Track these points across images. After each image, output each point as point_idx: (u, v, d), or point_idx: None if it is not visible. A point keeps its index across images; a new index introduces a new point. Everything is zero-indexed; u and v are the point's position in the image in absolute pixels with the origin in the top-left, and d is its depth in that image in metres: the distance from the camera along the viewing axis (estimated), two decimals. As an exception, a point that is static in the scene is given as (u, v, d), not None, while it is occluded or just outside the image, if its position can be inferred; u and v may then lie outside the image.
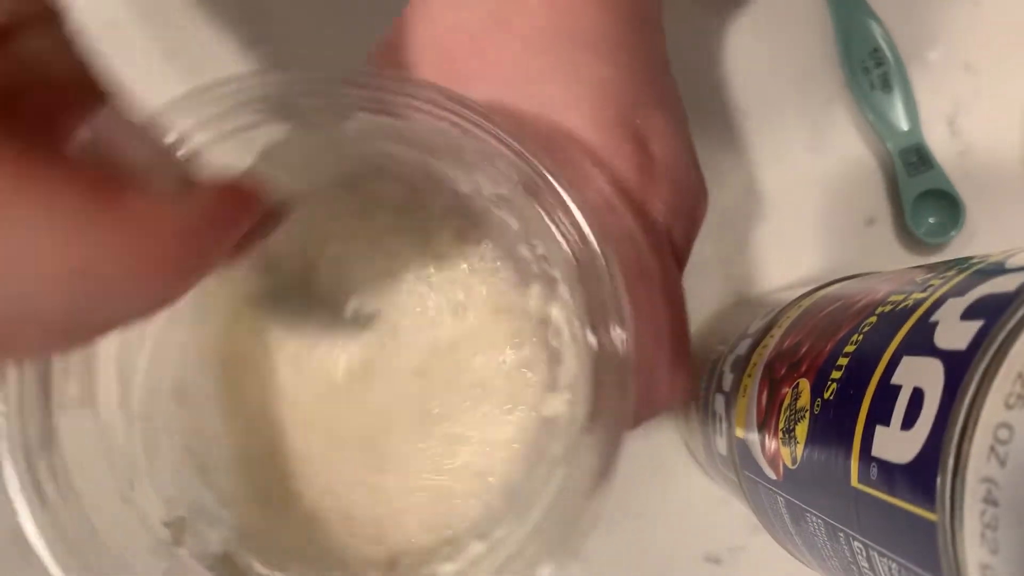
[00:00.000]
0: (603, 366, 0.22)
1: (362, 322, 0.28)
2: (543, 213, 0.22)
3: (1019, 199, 0.38)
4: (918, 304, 0.19)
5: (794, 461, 0.22)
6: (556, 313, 0.26)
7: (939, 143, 0.38)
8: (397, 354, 0.28)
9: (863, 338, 0.21)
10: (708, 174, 0.28)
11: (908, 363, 0.18)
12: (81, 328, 0.16)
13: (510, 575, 0.22)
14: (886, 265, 0.31)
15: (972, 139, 0.38)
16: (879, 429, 0.18)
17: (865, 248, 0.38)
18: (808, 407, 0.22)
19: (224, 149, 0.23)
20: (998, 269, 0.18)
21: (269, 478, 0.28)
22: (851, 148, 0.39)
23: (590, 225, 0.22)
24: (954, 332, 0.17)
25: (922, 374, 0.17)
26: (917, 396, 0.17)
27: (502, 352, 0.28)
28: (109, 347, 0.25)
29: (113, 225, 0.15)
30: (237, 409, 0.28)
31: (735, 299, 0.38)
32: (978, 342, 0.16)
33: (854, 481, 0.19)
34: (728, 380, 0.30)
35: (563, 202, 0.22)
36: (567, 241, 0.22)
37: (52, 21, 0.16)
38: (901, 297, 0.21)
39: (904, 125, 0.38)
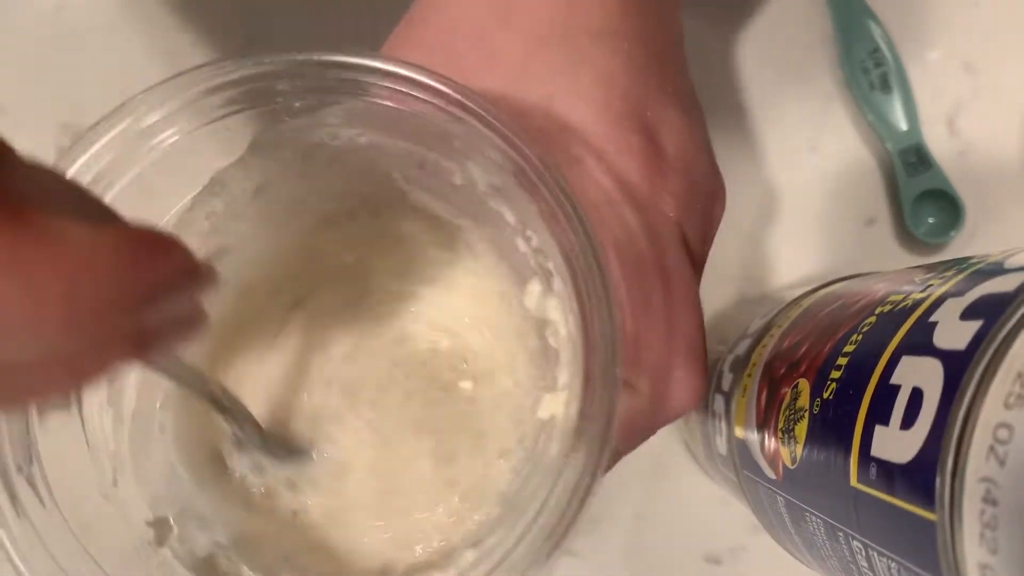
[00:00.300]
0: (593, 362, 0.21)
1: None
2: (533, 202, 0.22)
3: (1019, 199, 0.38)
4: (917, 304, 0.19)
5: (793, 461, 0.22)
6: (553, 309, 0.25)
7: (938, 143, 0.38)
8: (393, 373, 0.28)
9: (862, 338, 0.21)
10: (708, 174, 0.28)
11: (907, 363, 0.18)
12: None
13: None
14: (886, 265, 0.31)
15: (972, 139, 0.38)
16: (878, 429, 0.18)
17: (865, 248, 0.38)
18: (807, 407, 0.22)
19: (208, 138, 0.23)
20: (997, 269, 0.18)
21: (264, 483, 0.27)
22: (851, 148, 0.39)
23: (581, 216, 0.21)
24: (953, 332, 0.17)
25: (921, 374, 0.17)
26: (916, 396, 0.17)
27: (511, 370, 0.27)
28: None
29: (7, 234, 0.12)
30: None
31: (735, 299, 0.38)
32: (977, 342, 0.16)
33: (853, 481, 0.19)
34: (728, 380, 0.30)
35: (554, 191, 0.21)
36: (558, 232, 0.22)
37: None
38: (900, 297, 0.21)
39: (903, 125, 0.38)
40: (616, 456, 0.27)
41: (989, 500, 0.15)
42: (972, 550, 0.15)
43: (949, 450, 0.16)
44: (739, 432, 0.27)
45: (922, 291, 0.20)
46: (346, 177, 0.26)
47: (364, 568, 0.26)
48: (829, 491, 0.20)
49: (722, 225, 0.39)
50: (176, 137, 0.22)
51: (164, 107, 0.22)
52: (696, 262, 0.26)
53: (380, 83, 0.22)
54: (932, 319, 0.18)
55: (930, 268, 0.22)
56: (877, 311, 0.21)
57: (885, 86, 0.38)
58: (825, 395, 0.21)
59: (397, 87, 0.22)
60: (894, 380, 0.18)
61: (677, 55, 0.27)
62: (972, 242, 0.38)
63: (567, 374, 0.25)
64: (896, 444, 0.17)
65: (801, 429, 0.22)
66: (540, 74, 0.24)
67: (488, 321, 0.28)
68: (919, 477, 0.16)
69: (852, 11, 0.38)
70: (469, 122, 0.22)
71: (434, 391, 0.28)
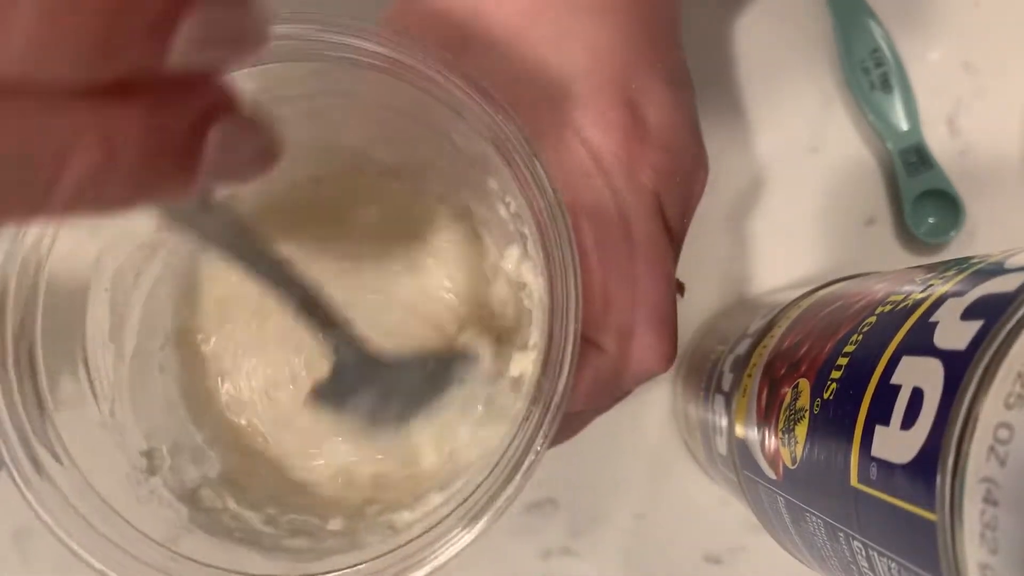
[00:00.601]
0: (555, 320, 0.22)
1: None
2: (509, 169, 0.23)
3: (1019, 199, 0.38)
4: (918, 304, 0.19)
5: (794, 461, 0.22)
6: (528, 272, 0.26)
7: (939, 143, 0.38)
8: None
9: (863, 338, 0.21)
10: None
11: (908, 363, 0.18)
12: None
13: (452, 523, 0.23)
14: (886, 265, 0.31)
15: (972, 139, 0.38)
16: (879, 429, 0.18)
17: (865, 248, 0.38)
18: (808, 407, 0.22)
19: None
20: (998, 269, 0.18)
21: (255, 424, 0.29)
22: (851, 148, 0.39)
23: (551, 180, 0.22)
24: (954, 332, 0.17)
25: (922, 374, 0.17)
26: (917, 396, 0.17)
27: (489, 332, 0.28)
28: (101, 278, 0.25)
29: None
30: (229, 356, 0.29)
31: (735, 299, 0.38)
32: (978, 342, 0.16)
33: (854, 481, 0.19)
34: (728, 380, 0.30)
35: (527, 159, 0.22)
36: (530, 197, 0.23)
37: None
38: (901, 297, 0.21)
39: (904, 125, 0.38)
40: (589, 416, 0.28)
41: (989, 500, 0.15)
42: (972, 550, 0.15)
43: (949, 450, 0.16)
44: (739, 432, 0.27)
45: (922, 291, 0.20)
46: (333, 134, 0.28)
47: (342, 506, 0.28)
48: (829, 491, 0.20)
49: (722, 225, 0.39)
50: None
51: None
52: (674, 235, 0.26)
53: (375, 50, 0.22)
54: (933, 319, 0.18)
55: (930, 268, 0.22)
56: (877, 311, 0.21)
57: (885, 86, 0.38)
58: (825, 395, 0.21)
59: (390, 54, 0.22)
60: (894, 380, 0.18)
61: (672, 32, 0.27)
62: (972, 242, 0.38)
63: (537, 334, 0.26)
64: (896, 444, 0.17)
65: (801, 429, 0.22)
66: (531, 48, 0.24)
67: (467, 283, 0.30)
68: (919, 477, 0.16)
69: (852, 11, 0.38)
70: (451, 91, 0.22)
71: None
